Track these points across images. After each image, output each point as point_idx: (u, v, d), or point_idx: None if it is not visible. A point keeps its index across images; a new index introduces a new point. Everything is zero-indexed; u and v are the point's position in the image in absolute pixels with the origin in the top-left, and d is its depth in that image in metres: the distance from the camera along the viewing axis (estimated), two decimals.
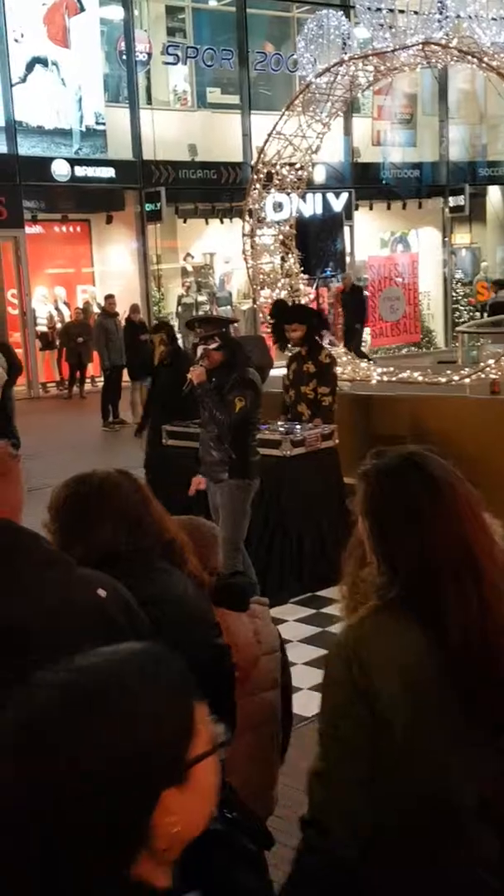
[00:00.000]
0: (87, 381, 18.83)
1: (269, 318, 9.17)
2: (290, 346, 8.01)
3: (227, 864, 2.15)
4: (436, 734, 1.86)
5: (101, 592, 1.85)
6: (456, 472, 1.97)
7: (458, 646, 1.86)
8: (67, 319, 19.17)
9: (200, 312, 20.16)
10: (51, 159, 19.05)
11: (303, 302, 10.46)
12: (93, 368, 18.66)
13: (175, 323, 21.26)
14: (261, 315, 11.15)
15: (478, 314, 23.61)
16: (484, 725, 1.87)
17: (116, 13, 20.41)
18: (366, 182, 23.46)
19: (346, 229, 21.86)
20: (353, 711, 1.87)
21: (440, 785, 1.86)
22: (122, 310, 15.98)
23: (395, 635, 1.90)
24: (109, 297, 16.05)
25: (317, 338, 7.83)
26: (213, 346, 6.26)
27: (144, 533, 2.36)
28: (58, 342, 19.12)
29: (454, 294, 25.18)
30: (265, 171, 10.53)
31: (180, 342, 10.27)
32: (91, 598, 1.84)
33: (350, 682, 1.87)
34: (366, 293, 18.73)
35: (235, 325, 7.66)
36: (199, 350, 6.38)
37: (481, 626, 1.86)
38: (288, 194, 10.74)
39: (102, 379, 15.98)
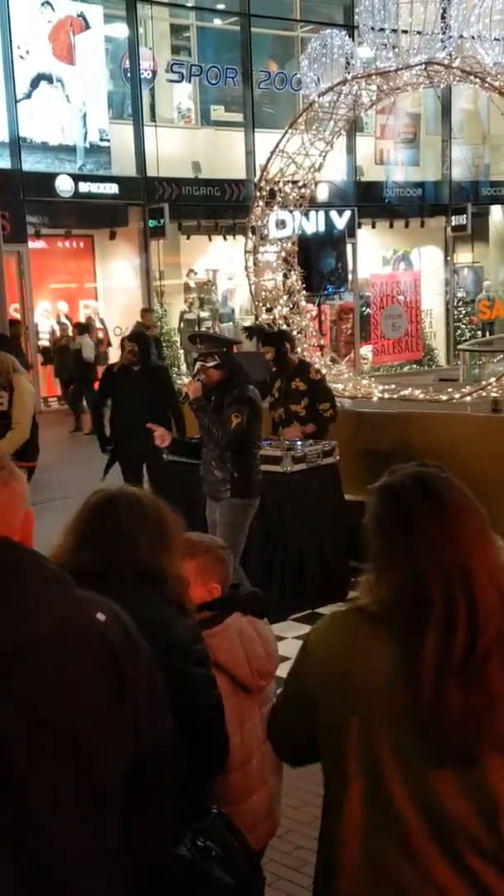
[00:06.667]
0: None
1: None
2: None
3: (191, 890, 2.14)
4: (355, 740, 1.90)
5: (101, 616, 1.85)
6: (465, 492, 1.97)
7: (432, 661, 1.82)
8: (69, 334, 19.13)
9: (203, 329, 20.17)
10: (55, 175, 19.12)
11: (306, 319, 10.49)
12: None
13: (177, 339, 21.36)
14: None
15: (479, 332, 23.71)
16: (437, 747, 1.84)
17: (121, 31, 20.53)
18: (369, 200, 23.53)
19: (349, 247, 21.91)
20: (295, 695, 2.11)
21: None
22: (126, 326, 16.01)
23: (349, 639, 1.95)
24: (145, 311, 15.77)
25: (291, 356, 7.83)
26: (212, 364, 6.27)
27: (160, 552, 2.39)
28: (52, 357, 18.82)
29: (456, 312, 25.24)
30: (268, 188, 10.55)
31: (182, 356, 10.16)
32: (91, 619, 1.84)
33: (300, 672, 2.08)
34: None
35: (239, 343, 7.60)
36: (198, 366, 6.40)
37: (465, 644, 1.83)
38: (291, 212, 10.75)
39: None
